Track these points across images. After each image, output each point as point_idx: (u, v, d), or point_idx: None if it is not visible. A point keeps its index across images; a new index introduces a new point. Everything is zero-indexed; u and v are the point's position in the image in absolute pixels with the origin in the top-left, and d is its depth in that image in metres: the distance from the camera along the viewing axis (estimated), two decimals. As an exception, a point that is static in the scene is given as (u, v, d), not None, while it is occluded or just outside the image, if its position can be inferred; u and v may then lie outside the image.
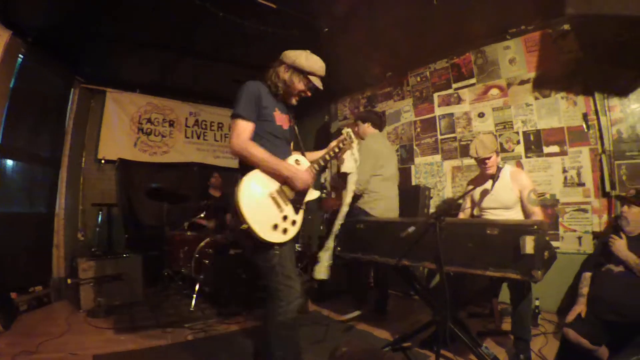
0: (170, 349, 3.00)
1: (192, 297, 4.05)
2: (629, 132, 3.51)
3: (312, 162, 2.20)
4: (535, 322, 3.36)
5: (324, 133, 6.67)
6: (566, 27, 3.79)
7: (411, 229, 2.21)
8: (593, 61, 3.50)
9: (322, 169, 2.40)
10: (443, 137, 4.98)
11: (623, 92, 3.54)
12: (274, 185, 2.02)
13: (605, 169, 3.59)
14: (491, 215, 3.03)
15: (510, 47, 4.32)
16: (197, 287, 4.13)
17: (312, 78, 2.12)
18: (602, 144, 3.63)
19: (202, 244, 4.40)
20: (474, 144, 2.96)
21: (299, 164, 2.16)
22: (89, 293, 3.93)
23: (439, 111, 5.03)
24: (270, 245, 1.95)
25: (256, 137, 2.02)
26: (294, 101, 2.21)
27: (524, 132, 4.19)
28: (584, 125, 3.77)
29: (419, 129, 5.26)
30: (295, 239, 2.20)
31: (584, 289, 2.68)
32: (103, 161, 5.57)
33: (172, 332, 3.35)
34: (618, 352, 2.16)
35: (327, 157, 2.29)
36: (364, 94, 6.16)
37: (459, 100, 4.82)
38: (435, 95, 5.07)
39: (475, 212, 3.23)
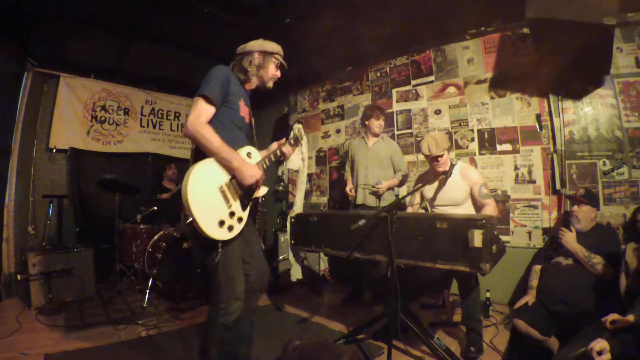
0: (122, 346, 2.92)
1: (145, 292, 3.94)
2: (581, 133, 3.68)
3: (263, 157, 2.17)
4: (487, 313, 3.49)
5: (282, 124, 6.62)
6: (525, 30, 3.91)
7: (362, 222, 2.21)
8: (549, 65, 3.61)
9: (279, 163, 2.37)
10: (400, 132, 5.05)
11: (577, 95, 3.71)
12: (225, 177, 1.94)
13: (557, 168, 3.75)
14: (440, 211, 3.06)
15: (469, 47, 4.45)
16: (150, 282, 4.02)
17: (278, 57, 2.25)
18: (554, 144, 3.79)
19: (155, 237, 4.29)
20: (426, 141, 2.97)
21: (251, 157, 2.10)
22: (40, 289, 3.78)
23: (396, 106, 5.10)
24: (214, 243, 1.86)
25: (218, 123, 1.95)
26: (271, 84, 2.29)
27: (478, 130, 4.33)
28: (537, 126, 3.93)
29: (376, 124, 5.31)
30: (245, 236, 2.13)
31: (534, 281, 2.77)
32: (54, 150, 5.27)
33: (125, 329, 3.27)
34: (566, 342, 2.24)
35: (278, 152, 2.27)
36: (324, 87, 6.16)
37: (417, 96, 4.91)
38: (394, 90, 5.14)
39: (426, 206, 3.27)
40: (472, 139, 4.36)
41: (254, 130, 2.31)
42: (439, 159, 2.94)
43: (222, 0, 3.66)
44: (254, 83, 2.25)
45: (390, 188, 3.97)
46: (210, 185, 1.88)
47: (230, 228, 1.91)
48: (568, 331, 2.30)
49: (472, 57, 4.42)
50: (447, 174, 2.80)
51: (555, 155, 3.77)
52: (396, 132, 5.07)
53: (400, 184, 4.08)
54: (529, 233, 3.91)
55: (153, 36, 4.54)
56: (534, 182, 3.93)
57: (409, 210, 3.34)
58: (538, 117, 3.92)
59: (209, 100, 1.89)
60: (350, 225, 2.25)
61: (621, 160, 3.46)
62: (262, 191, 2.15)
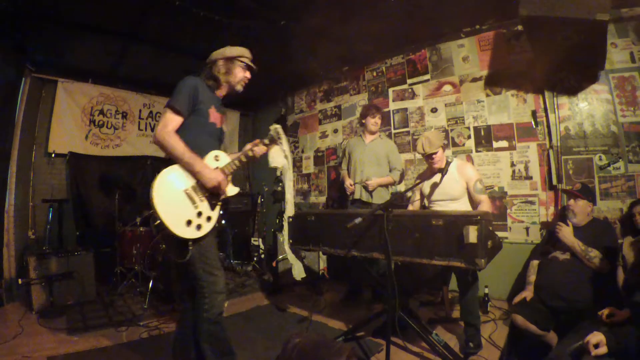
0: (124, 348, 2.95)
1: (146, 294, 3.96)
2: (577, 129, 3.69)
3: (232, 159, 2.24)
4: (485, 309, 3.51)
5: (280, 125, 6.65)
6: (520, 28, 3.92)
7: (358, 220, 2.24)
8: (544, 61, 3.63)
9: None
10: (396, 131, 5.09)
11: (572, 91, 3.71)
12: (191, 181, 2.05)
13: (553, 164, 3.77)
14: (439, 206, 3.12)
15: (464, 45, 4.47)
16: (150, 284, 4.05)
17: (243, 59, 2.32)
18: (550, 140, 3.81)
19: (155, 239, 4.30)
20: (421, 141, 3.05)
21: (218, 160, 2.20)
22: (41, 293, 3.80)
23: (393, 106, 5.13)
24: (184, 241, 1.96)
25: (188, 131, 2.07)
26: (239, 87, 2.36)
27: (474, 127, 4.35)
28: (533, 122, 3.95)
29: (373, 123, 5.33)
30: (215, 234, 2.22)
31: (531, 277, 2.80)
32: (53, 155, 5.27)
33: (127, 331, 3.30)
34: (564, 337, 2.25)
35: (250, 153, 2.33)
36: (321, 87, 6.19)
37: (413, 95, 4.94)
38: (391, 90, 5.17)
39: (425, 204, 3.32)
40: (469, 137, 4.39)
41: (225, 135, 2.40)
42: (434, 156, 3.02)
43: (218, 4, 3.68)
44: (224, 89, 2.33)
45: (384, 186, 4.01)
46: (176, 188, 2.00)
47: (199, 227, 2.02)
48: (566, 325, 2.33)
49: (468, 55, 4.44)
50: (443, 170, 2.84)
51: (551, 151, 3.79)
52: (393, 131, 5.10)
53: (399, 180, 4.11)
54: (527, 229, 3.93)
55: (150, 40, 4.56)
56: (530, 178, 3.95)
57: (410, 207, 3.40)
58: (534, 114, 3.94)
59: (175, 111, 2.04)
60: (347, 223, 2.27)
61: (617, 155, 3.47)
62: (232, 191, 2.25)
